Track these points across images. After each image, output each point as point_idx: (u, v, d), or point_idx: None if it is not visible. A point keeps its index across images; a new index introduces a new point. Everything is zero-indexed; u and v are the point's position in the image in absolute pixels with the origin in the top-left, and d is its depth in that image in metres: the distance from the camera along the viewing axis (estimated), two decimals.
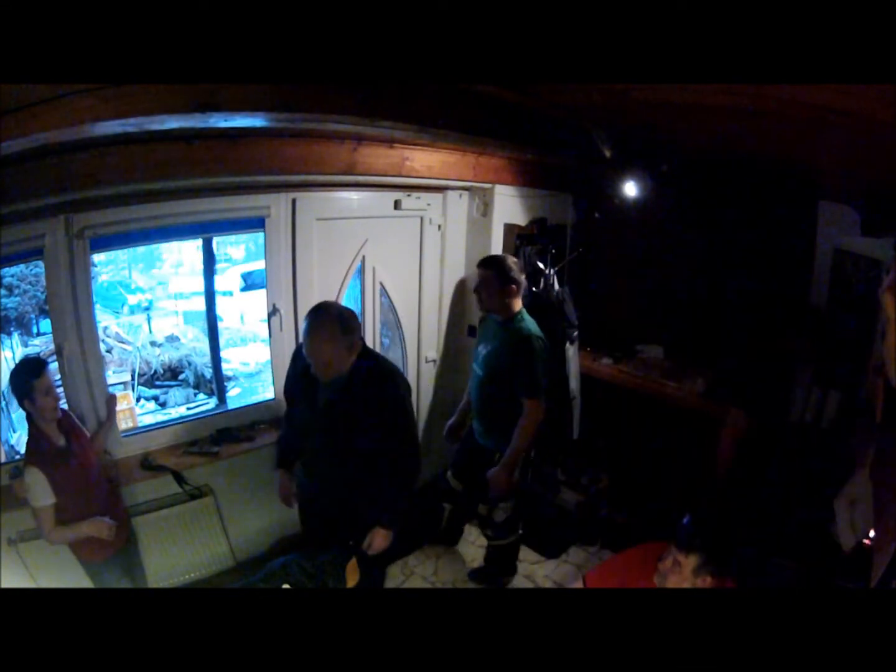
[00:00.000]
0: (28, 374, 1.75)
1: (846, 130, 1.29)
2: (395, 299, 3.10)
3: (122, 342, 6.13)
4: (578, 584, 1.84)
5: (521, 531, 2.66)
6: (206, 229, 2.49)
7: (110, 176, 1.83)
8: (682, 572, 1.52)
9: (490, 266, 2.29)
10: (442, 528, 2.88)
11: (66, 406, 2.09)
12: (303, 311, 2.68)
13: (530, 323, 2.31)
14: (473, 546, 3.04)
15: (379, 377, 1.81)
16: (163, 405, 5.55)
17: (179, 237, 2.65)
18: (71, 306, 2.08)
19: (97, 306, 2.42)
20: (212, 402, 3.81)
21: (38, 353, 5.13)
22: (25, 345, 5.39)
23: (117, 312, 7.31)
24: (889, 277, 1.38)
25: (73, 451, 1.87)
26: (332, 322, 1.66)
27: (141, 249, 8.56)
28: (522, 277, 2.32)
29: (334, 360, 1.68)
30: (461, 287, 3.38)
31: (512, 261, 2.32)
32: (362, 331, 3.00)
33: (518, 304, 2.32)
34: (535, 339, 2.25)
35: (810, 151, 1.76)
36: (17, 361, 1.90)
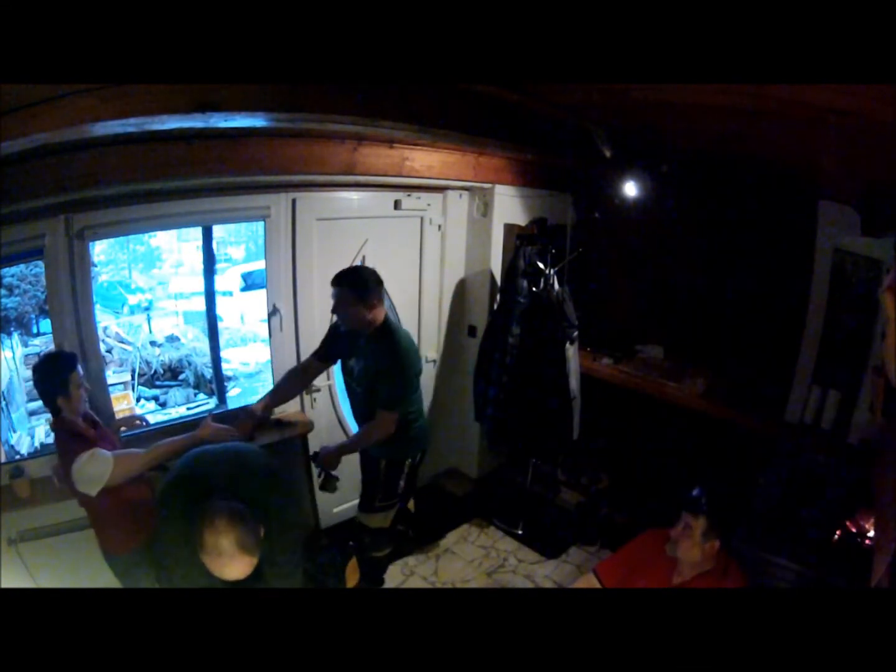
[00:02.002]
0: (63, 368, 1.74)
1: (846, 130, 1.29)
2: (395, 299, 3.10)
3: (122, 342, 6.13)
4: (590, 577, 1.87)
5: (391, 547, 2.55)
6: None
7: (110, 176, 1.83)
8: (692, 536, 1.64)
9: (342, 282, 2.10)
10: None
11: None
12: (303, 311, 2.69)
13: (397, 333, 2.18)
14: (473, 546, 3.04)
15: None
16: (163, 405, 5.56)
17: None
18: (71, 306, 2.08)
19: (97, 306, 2.42)
20: (212, 402, 3.82)
21: (38, 353, 5.14)
22: (25, 345, 5.40)
23: (117, 312, 7.32)
24: (889, 277, 1.38)
25: (101, 440, 1.84)
26: (243, 537, 1.39)
27: (141, 249, 8.59)
28: (381, 288, 2.16)
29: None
30: (461, 287, 3.38)
31: (368, 272, 2.17)
32: None
33: (381, 316, 2.15)
34: (402, 351, 2.14)
35: (810, 151, 1.75)
36: (42, 359, 1.86)
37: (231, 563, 1.37)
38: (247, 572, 1.41)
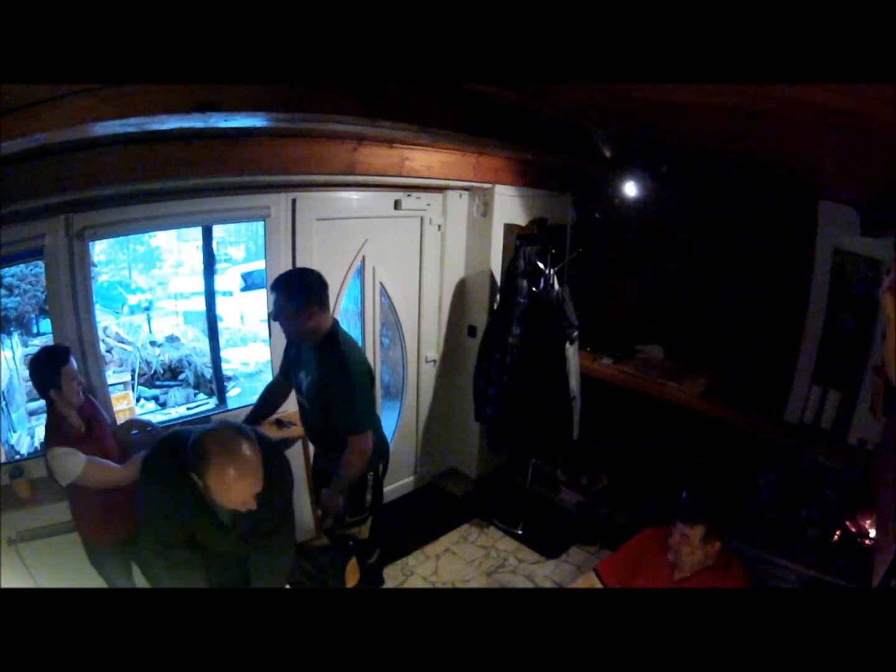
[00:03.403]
0: (54, 362, 1.77)
1: (846, 130, 1.29)
2: (395, 299, 3.10)
3: (122, 342, 6.12)
4: (591, 577, 1.87)
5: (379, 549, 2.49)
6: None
7: (110, 176, 1.83)
8: (691, 543, 1.64)
9: (280, 288, 1.88)
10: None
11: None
12: None
13: (346, 345, 1.96)
14: (473, 546, 3.04)
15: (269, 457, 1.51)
16: (163, 405, 5.55)
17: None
18: (71, 306, 2.08)
19: (97, 306, 2.42)
20: (212, 402, 3.82)
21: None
22: (25, 345, 5.39)
23: (117, 312, 7.32)
24: (889, 277, 1.38)
25: (93, 438, 1.87)
26: (254, 448, 1.37)
27: (141, 249, 8.60)
28: (323, 293, 1.93)
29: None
30: (461, 287, 3.38)
31: (309, 275, 1.95)
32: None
33: (327, 324, 1.94)
34: (352, 365, 1.92)
35: (810, 151, 1.75)
36: (37, 351, 1.90)
37: (242, 479, 1.31)
38: (255, 491, 1.33)
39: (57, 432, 1.81)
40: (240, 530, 1.51)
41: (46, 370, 1.77)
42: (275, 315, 1.93)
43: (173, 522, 1.48)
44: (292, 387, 2.20)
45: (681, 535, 1.65)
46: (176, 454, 1.41)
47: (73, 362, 1.82)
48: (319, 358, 1.97)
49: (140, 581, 2.11)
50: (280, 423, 2.55)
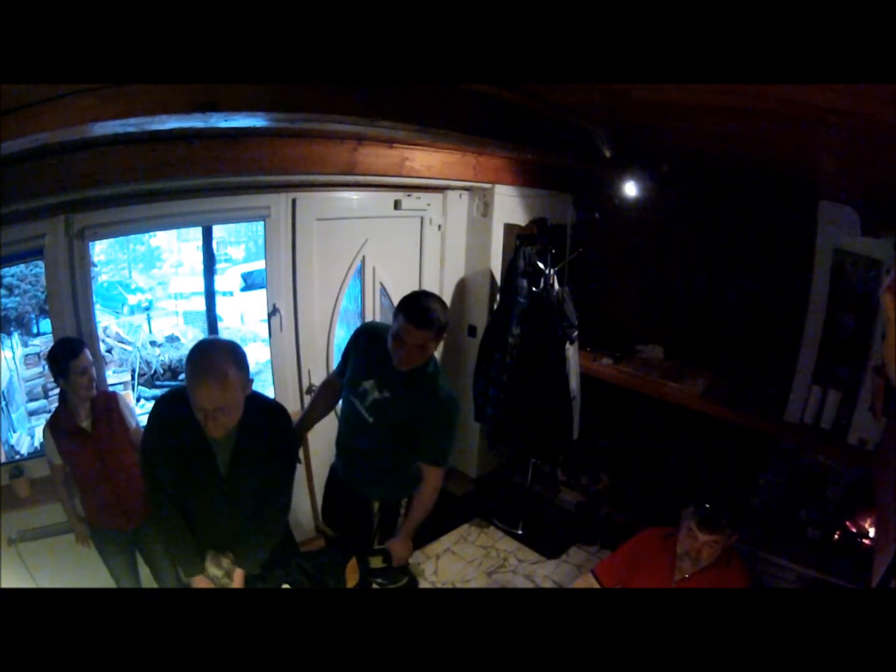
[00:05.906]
0: (65, 354, 1.85)
1: (846, 130, 1.29)
2: (395, 299, 3.10)
3: (122, 342, 6.13)
4: (588, 578, 1.86)
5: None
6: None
7: (110, 176, 1.83)
8: (715, 546, 1.60)
9: (429, 325, 1.71)
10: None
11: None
12: (303, 311, 2.68)
13: (443, 376, 1.88)
14: (473, 546, 3.04)
15: (270, 414, 1.56)
16: None
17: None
18: (71, 306, 2.08)
19: (97, 306, 2.43)
20: None
21: (38, 353, 5.14)
22: (25, 345, 5.40)
23: (117, 312, 7.33)
24: (889, 277, 1.38)
25: (96, 436, 1.91)
26: (226, 359, 1.35)
27: (141, 249, 8.60)
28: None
29: (233, 407, 1.38)
30: (461, 287, 3.38)
31: (445, 305, 1.85)
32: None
33: None
34: (453, 400, 1.85)
35: (810, 151, 1.75)
36: (54, 344, 1.97)
37: (203, 382, 1.32)
38: (217, 396, 1.33)
39: (58, 416, 1.93)
40: (234, 484, 1.51)
41: (58, 360, 1.86)
42: (411, 351, 1.73)
43: (170, 461, 1.48)
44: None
45: (703, 544, 1.59)
46: (185, 399, 1.43)
47: (88, 356, 1.88)
48: (414, 381, 1.82)
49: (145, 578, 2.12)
50: None
